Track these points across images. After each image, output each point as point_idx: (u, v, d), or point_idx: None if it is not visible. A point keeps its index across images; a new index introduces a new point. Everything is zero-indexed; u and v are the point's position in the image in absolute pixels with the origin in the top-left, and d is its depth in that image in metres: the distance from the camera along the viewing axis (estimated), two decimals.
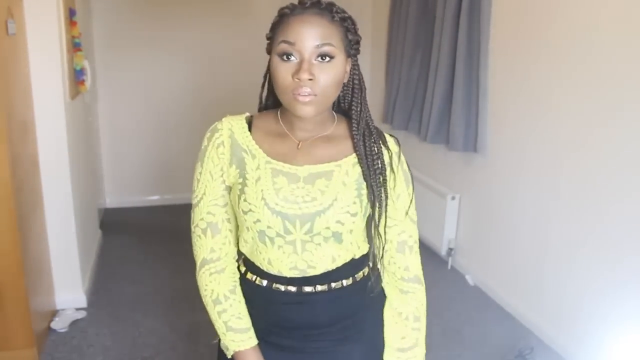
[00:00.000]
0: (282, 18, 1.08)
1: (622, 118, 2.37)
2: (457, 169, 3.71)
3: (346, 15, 1.10)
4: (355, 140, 1.14)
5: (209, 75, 4.79)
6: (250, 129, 1.16)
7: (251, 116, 1.20)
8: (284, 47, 1.05)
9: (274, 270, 1.16)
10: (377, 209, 1.14)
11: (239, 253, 1.24)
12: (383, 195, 1.14)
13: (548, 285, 2.87)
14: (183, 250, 3.91)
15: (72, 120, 3.06)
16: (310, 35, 1.04)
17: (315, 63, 1.05)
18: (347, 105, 1.18)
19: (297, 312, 1.18)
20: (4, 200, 2.37)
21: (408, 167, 1.23)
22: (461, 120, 3.42)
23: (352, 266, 1.19)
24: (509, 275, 3.20)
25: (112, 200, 4.87)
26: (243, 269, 1.23)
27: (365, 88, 1.17)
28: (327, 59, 1.05)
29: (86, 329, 2.92)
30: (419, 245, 1.26)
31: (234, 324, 1.19)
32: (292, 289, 1.17)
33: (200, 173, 1.17)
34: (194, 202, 1.18)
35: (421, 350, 1.28)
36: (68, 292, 3.09)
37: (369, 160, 1.14)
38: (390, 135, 1.22)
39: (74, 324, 2.96)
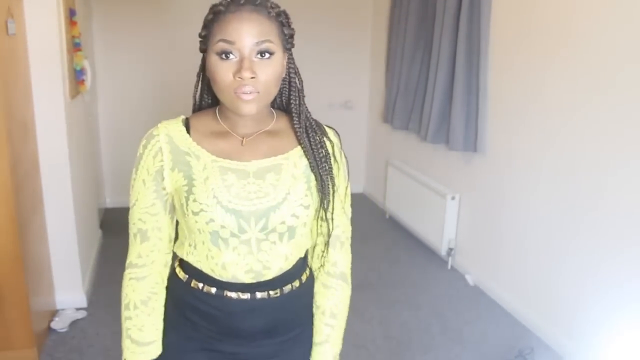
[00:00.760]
0: (217, 15, 1.05)
1: (624, 117, 2.37)
2: (457, 169, 3.71)
3: (281, 9, 1.08)
4: (299, 133, 1.13)
5: None
6: (188, 131, 1.12)
7: (187, 118, 1.16)
8: (222, 46, 1.03)
9: (227, 276, 1.11)
10: (326, 197, 1.13)
11: (175, 259, 1.20)
12: (330, 183, 1.13)
13: (548, 285, 2.87)
14: None
15: (72, 120, 3.06)
16: (249, 33, 1.02)
17: (256, 60, 1.03)
18: (284, 99, 1.17)
19: (247, 319, 1.14)
20: (4, 200, 2.37)
21: (346, 160, 1.21)
22: (461, 120, 3.42)
23: (298, 267, 1.18)
24: (509, 275, 3.20)
25: (112, 200, 4.87)
26: (184, 276, 1.16)
27: (302, 81, 1.15)
28: (267, 55, 1.03)
29: (86, 329, 2.93)
30: (350, 242, 1.24)
31: (133, 334, 1.15)
32: (245, 296, 1.12)
33: (134, 179, 1.14)
34: (130, 206, 1.16)
35: (332, 348, 1.23)
36: (68, 292, 3.09)
37: (315, 150, 1.12)
38: (329, 127, 1.21)
39: (74, 324, 2.96)
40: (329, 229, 1.16)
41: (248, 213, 1.07)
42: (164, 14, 4.60)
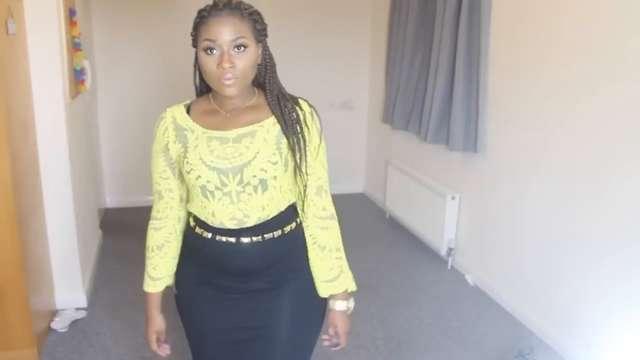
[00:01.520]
0: (202, 19, 1.32)
1: (624, 118, 2.37)
2: (457, 169, 3.71)
3: (252, 9, 1.34)
4: (271, 104, 1.40)
5: None
6: (189, 112, 1.44)
7: (189, 102, 1.47)
8: (206, 44, 1.30)
9: (217, 222, 1.40)
10: (297, 154, 1.38)
11: (190, 215, 1.50)
12: (301, 142, 1.39)
13: (548, 285, 2.87)
14: None
15: (72, 120, 3.06)
16: (226, 32, 1.28)
17: (233, 53, 1.30)
18: (262, 80, 1.43)
19: (235, 259, 1.42)
20: (4, 200, 2.38)
21: (321, 124, 1.46)
22: (461, 120, 3.42)
23: (281, 220, 1.43)
24: (509, 275, 3.20)
25: (113, 200, 4.88)
26: (193, 225, 1.48)
27: (274, 65, 1.42)
28: (242, 48, 1.30)
29: (86, 329, 2.93)
30: (329, 191, 1.49)
31: (149, 270, 1.54)
32: (232, 239, 1.41)
33: (152, 152, 1.47)
34: (151, 171, 1.48)
35: (346, 275, 1.51)
36: (68, 292, 3.09)
37: (285, 116, 1.38)
38: (303, 99, 1.45)
39: (74, 324, 2.96)
40: (304, 180, 1.42)
41: (227, 169, 1.35)
42: (163, 14, 4.60)
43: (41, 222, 2.88)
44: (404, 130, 4.27)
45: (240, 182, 1.35)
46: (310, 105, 1.44)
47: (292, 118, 1.39)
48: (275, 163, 1.36)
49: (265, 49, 1.40)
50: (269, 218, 1.41)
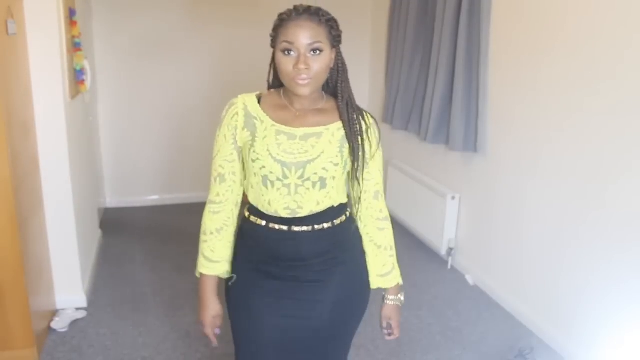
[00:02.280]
0: (282, 22, 1.41)
1: (624, 118, 2.37)
2: (457, 169, 3.71)
3: (330, 17, 1.43)
4: (341, 109, 1.49)
5: (210, 74, 4.79)
6: (259, 103, 1.51)
7: (260, 94, 1.54)
8: (285, 45, 1.39)
9: (271, 210, 1.48)
10: (356, 161, 1.49)
11: (245, 204, 1.57)
12: (361, 151, 1.49)
13: (548, 285, 2.87)
14: (183, 250, 3.94)
15: (72, 119, 3.06)
16: (304, 36, 1.38)
17: (309, 56, 1.39)
18: (334, 84, 1.52)
19: (287, 246, 1.51)
20: (4, 200, 2.37)
21: (380, 135, 1.58)
22: (461, 120, 3.42)
23: (332, 213, 1.53)
24: (509, 275, 3.20)
25: (112, 200, 4.87)
26: (247, 214, 1.55)
27: (347, 70, 1.52)
28: (318, 52, 1.40)
29: (86, 328, 2.92)
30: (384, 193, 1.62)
31: (207, 253, 1.55)
32: (284, 227, 1.49)
33: (218, 135, 1.51)
34: (213, 155, 1.53)
35: (397, 271, 1.63)
36: (68, 291, 3.09)
37: (351, 124, 1.48)
38: (367, 112, 1.56)
39: (74, 323, 2.96)
40: (359, 185, 1.52)
41: (290, 164, 1.44)
42: (164, 14, 4.59)
43: (41, 222, 2.88)
44: (403, 130, 4.27)
45: (302, 176, 1.45)
46: (372, 117, 1.56)
47: (356, 129, 1.49)
48: (336, 164, 1.47)
49: (339, 54, 1.49)
50: (320, 212, 1.50)
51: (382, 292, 1.65)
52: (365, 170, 1.52)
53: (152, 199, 4.97)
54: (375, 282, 1.62)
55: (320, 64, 1.40)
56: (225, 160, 1.51)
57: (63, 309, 3.04)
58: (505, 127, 3.17)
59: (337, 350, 1.66)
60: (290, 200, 1.47)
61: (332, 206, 1.52)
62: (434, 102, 3.65)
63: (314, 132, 1.47)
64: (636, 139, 2.31)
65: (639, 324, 2.33)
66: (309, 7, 1.41)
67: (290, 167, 1.44)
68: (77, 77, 3.21)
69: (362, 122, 1.52)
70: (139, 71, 4.67)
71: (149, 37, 4.61)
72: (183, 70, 4.76)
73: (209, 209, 1.55)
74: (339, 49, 1.49)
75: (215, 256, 1.55)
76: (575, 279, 2.69)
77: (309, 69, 1.38)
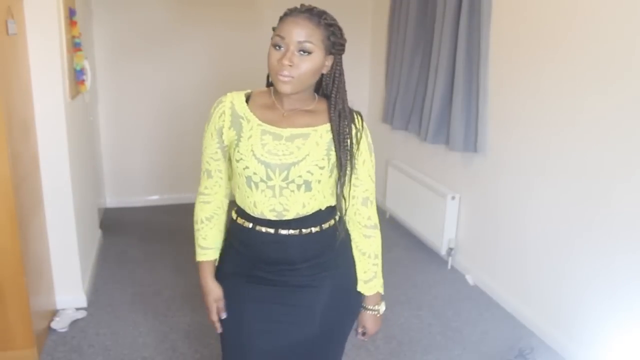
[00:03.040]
0: (283, 17, 1.39)
1: (625, 117, 2.37)
2: (457, 169, 3.70)
3: (333, 22, 1.40)
4: (332, 115, 1.45)
5: (209, 75, 4.79)
6: (248, 102, 1.48)
7: (250, 92, 1.52)
8: (276, 39, 1.36)
9: (257, 212, 1.46)
10: (342, 168, 1.44)
11: (233, 205, 1.56)
12: (348, 156, 1.45)
13: (548, 285, 2.87)
14: (183, 250, 3.94)
15: (72, 119, 3.06)
16: (296, 33, 1.34)
17: (297, 54, 1.34)
18: (329, 92, 1.48)
19: (274, 250, 1.48)
20: (4, 200, 2.37)
21: (371, 139, 1.53)
22: (461, 120, 3.42)
23: (320, 217, 1.49)
24: (509, 275, 3.20)
25: (113, 200, 4.87)
26: (235, 216, 1.54)
27: (344, 81, 1.49)
28: (306, 53, 1.35)
29: (86, 328, 2.92)
30: (375, 200, 1.58)
31: (200, 241, 1.57)
32: (271, 230, 1.47)
33: (205, 131, 1.51)
34: (202, 150, 1.53)
35: (379, 280, 1.59)
36: (68, 292, 3.08)
37: (341, 130, 1.44)
38: (359, 116, 1.52)
39: (74, 323, 2.96)
40: (356, 188, 1.50)
41: (274, 165, 1.41)
42: (164, 14, 4.59)
43: (41, 222, 2.88)
44: (404, 130, 4.27)
45: (286, 178, 1.42)
46: (362, 120, 1.52)
47: (345, 132, 1.45)
48: (322, 168, 1.43)
49: (338, 63, 1.46)
50: (307, 214, 1.47)
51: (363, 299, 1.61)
52: (354, 176, 1.49)
53: (152, 199, 4.97)
54: (359, 285, 1.59)
55: (306, 66, 1.35)
56: (211, 158, 1.52)
57: (63, 309, 3.04)
58: (505, 127, 3.17)
59: (329, 356, 1.64)
60: (276, 202, 1.44)
61: (320, 209, 1.49)
62: (434, 102, 3.65)
63: (300, 133, 1.43)
64: (638, 139, 2.31)
65: (639, 325, 2.33)
66: (312, 8, 1.39)
67: (274, 168, 1.41)
68: (77, 77, 3.21)
69: (353, 126, 1.48)
70: (139, 71, 4.67)
71: (149, 37, 4.61)
72: (183, 70, 4.76)
73: (199, 199, 1.58)
74: (340, 58, 1.46)
75: (207, 243, 1.57)
76: (575, 278, 2.69)
77: (292, 66, 1.34)
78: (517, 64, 3.04)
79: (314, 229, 1.49)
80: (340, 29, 1.43)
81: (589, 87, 2.55)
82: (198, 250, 1.59)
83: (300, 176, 1.42)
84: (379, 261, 1.59)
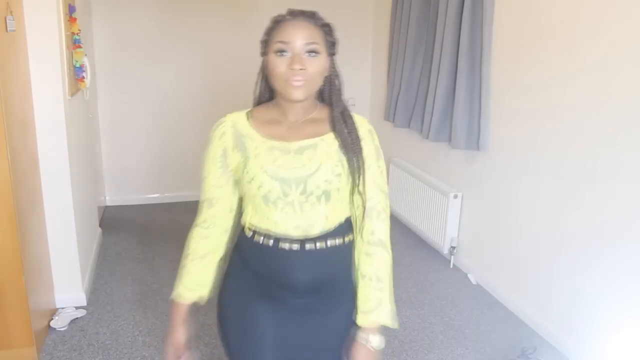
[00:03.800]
0: (276, 24, 1.33)
1: (627, 117, 2.35)
2: (459, 167, 3.69)
3: (325, 22, 1.37)
4: (336, 120, 1.38)
5: (209, 71, 4.77)
6: (248, 119, 1.40)
7: (249, 111, 1.43)
8: (279, 45, 1.30)
9: (280, 231, 1.35)
10: (356, 173, 1.36)
11: (242, 225, 1.44)
12: (360, 161, 1.37)
13: (551, 284, 2.85)
14: (183, 248, 3.92)
15: (71, 117, 3.04)
16: (301, 36, 1.30)
17: (305, 57, 1.30)
18: (327, 95, 1.42)
19: (298, 269, 1.36)
20: (3, 198, 2.36)
21: (378, 143, 1.45)
22: (463, 118, 3.40)
23: (342, 229, 1.40)
24: (512, 274, 3.18)
25: (112, 198, 4.86)
26: (249, 232, 1.40)
27: (342, 82, 1.41)
28: (314, 54, 1.31)
29: (86, 327, 2.91)
30: (389, 214, 1.43)
31: (186, 280, 1.45)
32: (295, 246, 1.35)
33: (206, 157, 1.42)
34: (202, 177, 1.43)
35: (385, 309, 1.40)
36: (68, 290, 3.07)
37: (349, 133, 1.37)
38: (362, 118, 1.45)
39: (74, 322, 2.95)
40: (363, 200, 1.38)
41: (289, 179, 1.33)
42: (164, 11, 4.57)
43: (40, 220, 2.86)
44: (406, 128, 4.25)
45: (304, 192, 1.33)
46: (369, 124, 1.45)
47: (354, 136, 1.38)
48: (339, 175, 1.35)
49: (334, 64, 1.39)
50: (332, 228, 1.38)
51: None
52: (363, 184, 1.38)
53: (153, 196, 4.95)
54: (358, 318, 1.41)
55: (316, 67, 1.31)
56: (214, 186, 1.41)
57: (62, 308, 3.03)
58: (507, 126, 3.15)
59: None
60: (298, 218, 1.34)
61: (341, 222, 1.40)
62: (436, 100, 3.63)
63: (308, 144, 1.36)
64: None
65: None
66: (304, 11, 1.35)
67: (290, 183, 1.33)
68: (76, 74, 3.19)
69: (359, 130, 1.40)
70: (139, 68, 4.65)
71: (149, 34, 4.59)
72: (183, 68, 4.74)
73: (196, 232, 1.45)
74: (334, 59, 1.40)
75: (195, 284, 1.45)
76: (578, 278, 2.67)
77: (304, 69, 1.29)
78: (519, 62, 3.02)
79: (338, 241, 1.39)
80: (332, 28, 1.38)
81: (592, 86, 2.53)
82: (180, 289, 1.45)
83: (318, 187, 1.33)
84: (384, 286, 1.40)
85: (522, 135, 3.03)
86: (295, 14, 1.34)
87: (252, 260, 1.41)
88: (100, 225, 4.16)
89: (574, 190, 2.68)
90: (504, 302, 3.22)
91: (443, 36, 3.55)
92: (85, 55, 3.30)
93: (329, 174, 1.34)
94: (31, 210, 2.68)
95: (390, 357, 2.71)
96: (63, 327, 2.88)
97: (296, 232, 1.35)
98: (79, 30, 3.19)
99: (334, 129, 1.38)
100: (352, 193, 1.39)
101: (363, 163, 1.37)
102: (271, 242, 1.36)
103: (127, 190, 4.89)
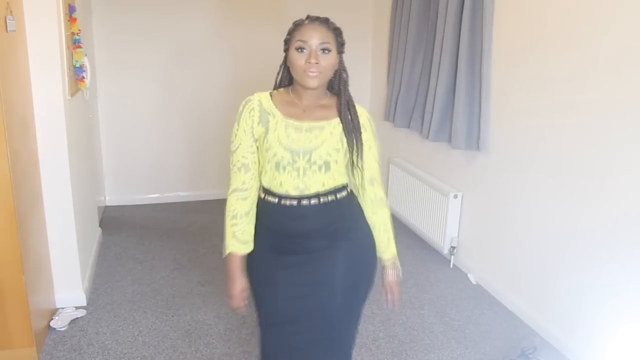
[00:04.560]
0: (297, 26, 1.68)
1: (627, 116, 2.35)
2: (459, 167, 3.69)
3: (336, 26, 1.71)
4: (342, 110, 1.72)
5: (209, 72, 4.77)
6: (272, 99, 1.74)
7: (271, 92, 1.77)
8: (299, 44, 1.64)
9: (283, 190, 1.70)
10: (354, 152, 1.71)
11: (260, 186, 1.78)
12: (359, 143, 1.72)
13: (551, 283, 2.85)
14: (183, 248, 3.93)
15: (71, 117, 3.04)
16: (316, 37, 1.64)
17: (319, 53, 1.64)
18: (337, 87, 1.76)
19: (298, 219, 1.72)
20: (3, 198, 2.36)
21: (375, 128, 1.81)
22: (463, 118, 3.39)
23: (335, 191, 1.74)
24: (512, 274, 3.18)
25: (112, 198, 4.85)
26: (263, 195, 1.75)
27: (348, 76, 1.76)
28: (327, 51, 1.65)
29: (86, 327, 2.91)
30: (381, 180, 1.83)
31: (238, 234, 1.73)
32: (294, 202, 1.70)
33: (237, 129, 1.73)
34: (232, 149, 1.74)
35: (393, 247, 1.84)
36: (68, 290, 3.07)
37: (351, 122, 1.72)
38: (362, 108, 1.79)
39: (74, 322, 2.95)
40: (361, 173, 1.76)
41: (298, 150, 1.67)
42: (164, 10, 4.57)
43: (40, 220, 2.86)
44: (405, 128, 4.25)
45: (309, 161, 1.68)
46: (367, 113, 1.79)
47: (355, 123, 1.72)
48: (338, 150, 1.70)
49: (342, 61, 1.74)
50: (325, 191, 1.72)
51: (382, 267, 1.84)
52: (362, 160, 1.74)
53: (153, 196, 4.95)
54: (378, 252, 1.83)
55: (327, 62, 1.65)
56: (248, 152, 1.72)
57: (62, 308, 3.03)
58: (508, 125, 3.15)
59: (348, 318, 1.81)
60: (299, 181, 1.69)
61: (335, 186, 1.73)
62: (437, 100, 3.63)
63: (317, 126, 1.70)
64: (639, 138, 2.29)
65: None
66: (319, 17, 1.69)
67: (299, 153, 1.67)
68: (76, 74, 3.19)
69: (359, 118, 1.74)
70: (139, 68, 4.65)
71: (149, 34, 4.59)
72: (184, 67, 4.73)
73: (237, 195, 1.73)
74: (342, 57, 1.73)
75: (245, 237, 1.74)
76: (579, 277, 2.67)
77: (318, 63, 1.62)
78: (520, 62, 3.01)
79: (330, 198, 1.72)
80: (341, 31, 1.72)
81: (593, 85, 2.53)
82: (234, 243, 1.73)
83: (320, 157, 1.68)
84: (389, 228, 1.82)
85: (522, 135, 3.02)
86: (313, 19, 1.68)
87: (263, 216, 1.75)
88: (100, 225, 4.16)
89: (574, 190, 2.68)
90: (504, 301, 3.22)
91: (443, 36, 3.55)
92: (85, 55, 3.30)
93: (330, 149, 1.69)
94: (31, 210, 2.68)
95: (390, 357, 2.71)
96: (63, 327, 2.88)
97: (294, 192, 1.69)
98: (79, 30, 3.19)
99: (339, 115, 1.72)
100: (351, 167, 1.75)
101: (362, 144, 1.72)
102: (276, 200, 1.71)
103: (127, 190, 4.89)
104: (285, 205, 1.70)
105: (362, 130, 1.74)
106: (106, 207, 4.75)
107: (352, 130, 1.71)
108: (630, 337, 2.38)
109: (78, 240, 3.06)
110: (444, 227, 3.69)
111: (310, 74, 1.64)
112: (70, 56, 3.08)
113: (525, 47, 2.96)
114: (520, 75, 3.02)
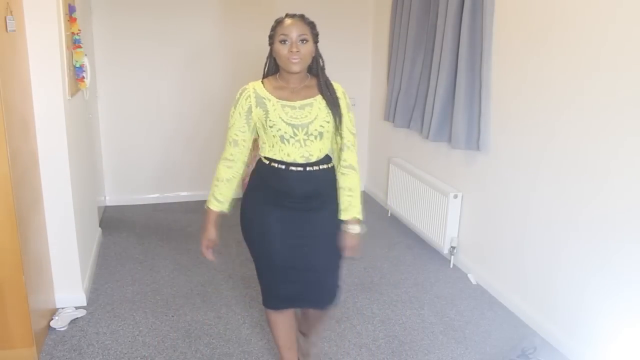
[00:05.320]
0: (279, 23, 2.02)
1: (627, 116, 2.35)
2: (459, 167, 3.69)
3: (311, 21, 2.04)
4: (322, 88, 2.09)
5: (209, 71, 4.77)
6: (265, 87, 2.07)
7: (262, 80, 2.10)
8: (282, 37, 1.98)
9: (290, 159, 2.04)
10: (337, 121, 2.08)
11: (254, 158, 2.14)
12: (338, 114, 2.08)
13: (551, 283, 2.85)
14: (183, 248, 3.93)
15: (71, 117, 3.04)
16: (296, 30, 1.98)
17: (299, 44, 1.98)
18: (314, 69, 2.11)
19: (302, 184, 2.06)
20: (3, 198, 2.36)
21: (349, 101, 2.19)
22: (463, 118, 3.39)
23: (327, 158, 2.13)
24: (512, 274, 3.18)
25: (112, 198, 4.86)
26: (267, 162, 2.08)
27: (323, 61, 2.12)
28: (305, 41, 1.99)
29: (86, 327, 2.91)
30: (356, 148, 2.16)
31: (217, 195, 2.11)
32: (300, 168, 2.05)
33: (233, 112, 2.07)
34: (228, 126, 2.08)
35: (355, 208, 2.14)
36: (67, 290, 3.07)
37: (331, 95, 2.09)
38: (337, 84, 2.15)
39: (74, 322, 2.95)
40: (341, 139, 2.12)
41: (298, 125, 2.02)
42: (164, 11, 4.57)
43: (40, 220, 2.86)
44: (405, 128, 4.25)
45: (306, 133, 2.03)
46: (342, 88, 2.15)
47: (334, 97, 2.08)
48: (328, 122, 2.07)
49: (317, 49, 2.08)
50: (321, 157, 2.09)
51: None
52: (342, 129, 2.10)
53: (153, 197, 4.95)
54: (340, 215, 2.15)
55: (306, 50, 1.99)
56: (239, 131, 2.07)
57: (62, 308, 3.03)
58: (507, 125, 3.15)
59: (331, 266, 2.20)
60: (303, 150, 2.04)
61: (327, 154, 2.12)
62: (436, 100, 3.63)
63: (307, 103, 2.06)
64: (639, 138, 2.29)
65: None
66: (296, 14, 2.03)
67: (298, 127, 2.02)
68: (76, 74, 3.19)
69: (336, 93, 2.10)
70: (139, 68, 4.65)
71: (149, 34, 4.59)
72: (184, 67, 4.73)
73: (224, 163, 2.10)
74: (317, 46, 2.07)
75: (222, 198, 2.12)
76: (579, 277, 2.67)
77: (299, 52, 1.96)
78: (520, 62, 3.01)
79: (327, 166, 2.11)
80: (315, 25, 2.05)
81: (593, 85, 2.52)
82: (212, 201, 2.11)
83: (316, 129, 2.04)
84: (354, 193, 2.14)
85: (522, 135, 3.02)
86: (291, 16, 2.02)
87: (269, 180, 2.08)
88: (100, 225, 4.16)
89: (574, 190, 2.68)
90: (504, 302, 3.22)
91: (443, 36, 3.54)
92: (85, 55, 3.30)
93: (322, 121, 2.05)
94: (31, 210, 2.68)
95: (390, 357, 2.71)
96: (63, 327, 2.88)
97: (301, 160, 2.05)
98: (79, 30, 3.19)
99: (321, 92, 2.08)
100: (334, 135, 2.11)
101: (341, 115, 2.09)
102: (283, 167, 2.04)
103: (127, 190, 4.89)
104: (293, 171, 2.04)
105: (340, 102, 2.09)
106: (106, 207, 4.76)
107: (332, 103, 2.07)
108: (630, 337, 2.38)
109: (78, 240, 3.06)
110: (444, 227, 3.69)
111: (293, 61, 1.97)
112: (70, 56, 3.08)
113: (526, 47, 2.96)
114: (520, 76, 3.02)
